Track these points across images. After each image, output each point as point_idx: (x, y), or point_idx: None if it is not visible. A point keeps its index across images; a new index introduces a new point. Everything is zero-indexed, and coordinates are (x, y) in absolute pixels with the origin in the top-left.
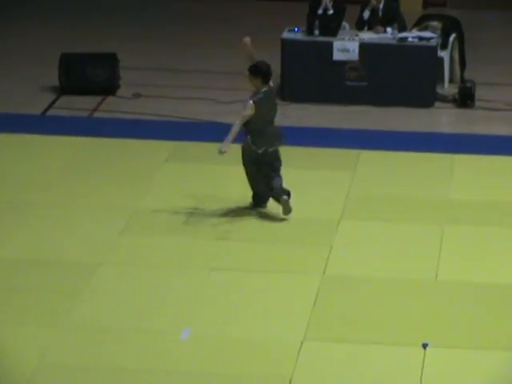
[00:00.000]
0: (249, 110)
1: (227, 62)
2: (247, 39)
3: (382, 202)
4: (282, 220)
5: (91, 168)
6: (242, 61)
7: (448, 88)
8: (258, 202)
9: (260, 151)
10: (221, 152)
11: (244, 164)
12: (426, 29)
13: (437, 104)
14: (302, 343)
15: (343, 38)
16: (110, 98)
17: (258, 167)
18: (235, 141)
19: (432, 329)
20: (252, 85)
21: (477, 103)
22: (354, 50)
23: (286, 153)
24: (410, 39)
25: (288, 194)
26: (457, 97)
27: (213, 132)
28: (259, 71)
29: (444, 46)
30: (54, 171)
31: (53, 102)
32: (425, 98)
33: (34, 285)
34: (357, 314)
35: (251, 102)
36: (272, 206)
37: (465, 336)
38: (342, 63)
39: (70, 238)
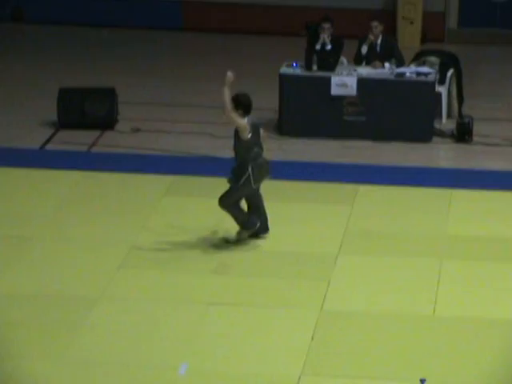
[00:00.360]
0: (240, 120)
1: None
2: (230, 74)
3: (380, 237)
4: (281, 254)
5: (89, 202)
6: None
7: (446, 123)
8: (260, 231)
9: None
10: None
11: (243, 198)
12: (423, 64)
13: (435, 139)
14: (299, 378)
15: (341, 73)
16: (109, 133)
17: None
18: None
19: (430, 364)
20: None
21: (475, 138)
22: (352, 85)
23: (284, 187)
24: (407, 74)
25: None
26: (455, 132)
27: (210, 166)
28: (239, 103)
29: (442, 82)
30: (52, 205)
31: (51, 137)
32: (423, 133)
33: (32, 319)
34: (354, 349)
35: (245, 121)
36: (268, 241)
37: (463, 372)
38: (340, 98)
39: (69, 272)
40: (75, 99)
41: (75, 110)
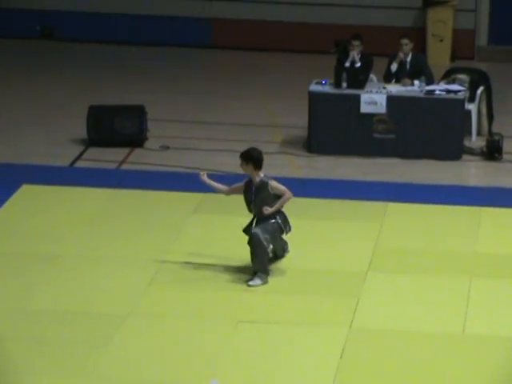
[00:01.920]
0: (287, 189)
1: (254, 114)
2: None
3: (409, 255)
4: (310, 272)
5: (119, 219)
6: (269, 113)
7: (476, 141)
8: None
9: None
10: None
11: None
12: (453, 82)
13: (464, 157)
14: None
15: (371, 91)
16: (138, 150)
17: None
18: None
19: (459, 383)
20: (244, 170)
21: (505, 156)
22: (381, 103)
23: (314, 204)
24: (437, 92)
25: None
26: (484, 150)
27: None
28: (250, 157)
29: (472, 99)
30: (81, 223)
31: (81, 154)
32: (452, 151)
33: (61, 336)
34: (383, 367)
35: (274, 181)
36: (298, 258)
37: None
38: (370, 116)
39: (98, 290)
40: (105, 117)
41: (105, 128)
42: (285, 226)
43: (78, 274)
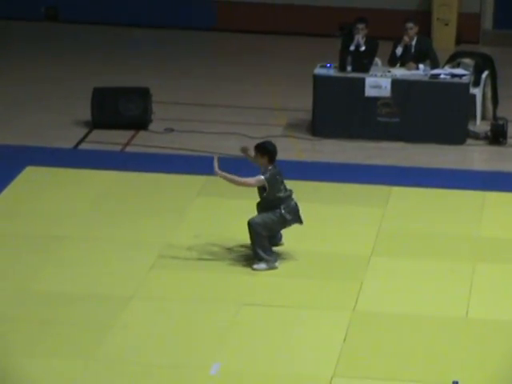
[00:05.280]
0: (255, 181)
1: (259, 98)
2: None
3: (412, 239)
4: (313, 255)
5: (123, 202)
6: (273, 96)
7: (480, 125)
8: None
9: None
10: (216, 172)
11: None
12: (458, 66)
13: (468, 141)
14: (331, 379)
15: (375, 75)
16: (142, 133)
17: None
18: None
19: (462, 367)
20: (259, 162)
21: (509, 141)
22: (386, 87)
23: (317, 188)
24: (442, 76)
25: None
26: (489, 134)
27: (244, 167)
28: (266, 151)
29: (476, 83)
30: (85, 205)
31: (85, 136)
32: (457, 135)
33: (64, 318)
34: (387, 351)
35: (262, 177)
36: (301, 241)
37: (496, 375)
38: (374, 99)
39: (101, 272)
40: (109, 99)
41: (109, 110)
42: (291, 219)
43: (82, 256)
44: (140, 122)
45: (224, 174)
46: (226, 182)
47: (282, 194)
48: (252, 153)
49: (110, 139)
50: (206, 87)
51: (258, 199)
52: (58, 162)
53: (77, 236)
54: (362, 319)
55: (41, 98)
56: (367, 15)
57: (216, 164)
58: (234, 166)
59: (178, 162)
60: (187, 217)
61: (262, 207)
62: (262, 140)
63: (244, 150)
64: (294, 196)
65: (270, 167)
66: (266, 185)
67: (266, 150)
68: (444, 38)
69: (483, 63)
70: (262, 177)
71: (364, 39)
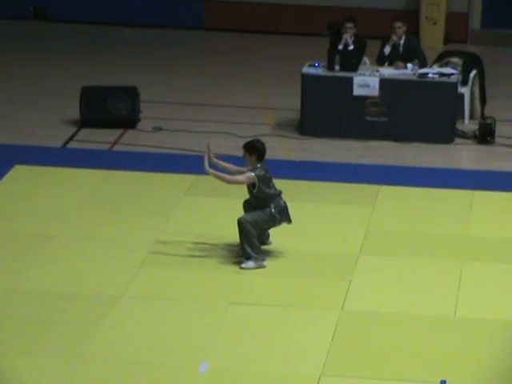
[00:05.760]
0: (245, 178)
1: (247, 96)
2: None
3: (401, 238)
4: (301, 254)
5: (111, 201)
6: (262, 96)
7: (468, 124)
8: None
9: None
10: (206, 170)
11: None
12: (446, 65)
13: (457, 140)
14: (319, 378)
15: (364, 74)
16: (131, 132)
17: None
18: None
19: (450, 366)
20: (246, 160)
21: (497, 140)
22: (374, 86)
23: (305, 187)
24: (430, 75)
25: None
26: (477, 133)
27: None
28: (254, 149)
29: (464, 83)
30: (73, 204)
31: (73, 135)
32: (445, 134)
33: (52, 317)
34: (375, 350)
35: (252, 174)
36: (289, 240)
37: (483, 374)
38: (363, 98)
39: (90, 271)
40: (98, 98)
41: (97, 109)
42: (280, 218)
43: (70, 255)
44: (128, 121)
45: (214, 171)
46: (216, 181)
47: (271, 191)
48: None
49: (99, 138)
50: (194, 86)
51: (246, 198)
52: (47, 160)
53: (65, 235)
54: (350, 318)
55: (29, 97)
56: (356, 14)
57: (206, 162)
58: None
59: (167, 161)
60: (175, 215)
61: (251, 205)
62: (249, 139)
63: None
64: (282, 195)
65: (258, 165)
66: (256, 181)
67: (255, 148)
68: (432, 37)
69: (471, 62)
70: (252, 173)
71: (352, 38)
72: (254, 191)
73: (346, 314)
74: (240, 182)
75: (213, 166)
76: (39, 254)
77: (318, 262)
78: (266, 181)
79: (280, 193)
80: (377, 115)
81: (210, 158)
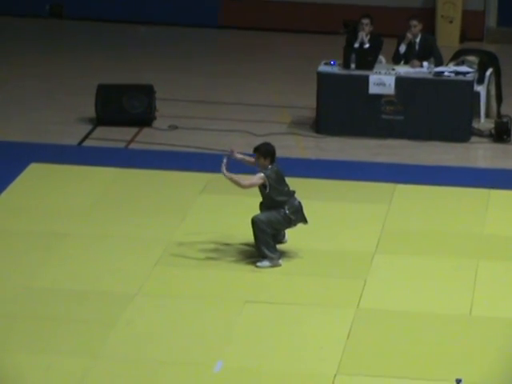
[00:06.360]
0: (257, 179)
1: (263, 95)
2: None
3: (416, 236)
4: (317, 253)
5: (126, 199)
6: (277, 94)
7: (484, 123)
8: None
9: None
10: (224, 173)
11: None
12: (462, 63)
13: (473, 139)
14: (335, 376)
15: (379, 72)
16: (146, 130)
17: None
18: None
19: (465, 364)
20: (259, 163)
21: None
22: (390, 84)
23: (321, 185)
24: (446, 74)
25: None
26: (493, 132)
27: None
28: (269, 153)
29: (481, 81)
30: (89, 202)
31: (89, 133)
32: (461, 133)
33: (67, 315)
34: (390, 348)
35: (262, 174)
36: (305, 239)
37: (499, 372)
38: (378, 97)
39: (105, 269)
40: (113, 96)
41: (113, 107)
42: (295, 219)
43: (86, 253)
44: (144, 119)
45: (231, 175)
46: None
47: (285, 189)
48: (238, 156)
49: (114, 136)
50: (209, 84)
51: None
52: (62, 158)
53: (80, 233)
54: (365, 317)
55: (45, 95)
56: (372, 12)
57: (224, 166)
58: (238, 163)
59: (182, 159)
60: (191, 214)
61: (265, 206)
62: (261, 141)
63: (232, 153)
64: (296, 195)
65: (269, 166)
66: (267, 181)
67: (269, 152)
68: (448, 36)
69: (487, 61)
70: (262, 174)
71: (368, 36)
72: (266, 191)
73: (362, 312)
74: (253, 184)
75: (232, 164)
76: (54, 251)
77: (333, 261)
78: (277, 179)
79: (293, 193)
80: (392, 113)
81: (234, 156)
